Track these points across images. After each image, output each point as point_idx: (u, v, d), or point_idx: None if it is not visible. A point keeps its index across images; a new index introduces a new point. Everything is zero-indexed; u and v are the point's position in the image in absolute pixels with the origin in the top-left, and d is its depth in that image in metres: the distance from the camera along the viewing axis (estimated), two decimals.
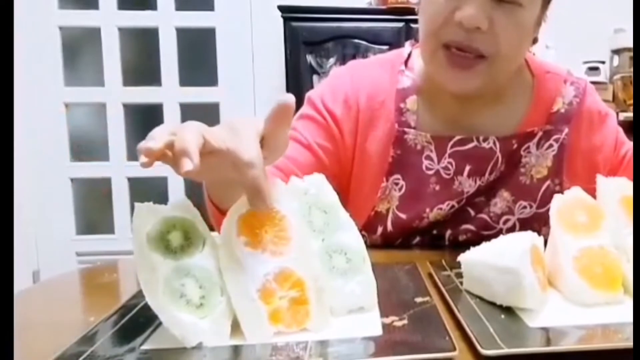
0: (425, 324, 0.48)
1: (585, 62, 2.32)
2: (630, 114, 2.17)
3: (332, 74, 0.93)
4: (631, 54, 2.28)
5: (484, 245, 0.60)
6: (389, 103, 0.85)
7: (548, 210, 0.62)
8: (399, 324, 0.49)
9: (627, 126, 2.20)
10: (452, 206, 0.84)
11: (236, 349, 0.46)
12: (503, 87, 0.85)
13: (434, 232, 0.86)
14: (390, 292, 0.57)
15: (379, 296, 0.54)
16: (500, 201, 0.85)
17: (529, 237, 0.56)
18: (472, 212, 0.85)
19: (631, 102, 2.21)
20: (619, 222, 0.59)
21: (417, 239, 0.86)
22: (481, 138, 0.83)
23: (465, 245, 0.84)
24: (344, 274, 0.53)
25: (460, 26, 0.73)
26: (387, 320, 0.49)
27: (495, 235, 0.83)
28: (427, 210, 0.84)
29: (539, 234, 0.59)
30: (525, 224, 0.85)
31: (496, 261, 0.54)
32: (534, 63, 0.90)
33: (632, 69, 2.24)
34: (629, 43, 2.27)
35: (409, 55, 0.90)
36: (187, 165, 0.45)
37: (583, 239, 0.58)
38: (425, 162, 0.84)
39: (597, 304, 0.54)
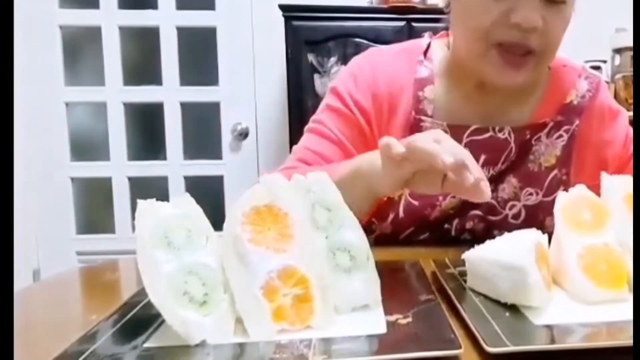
0: (430, 322, 0.48)
1: (587, 61, 2.30)
2: (632, 113, 2.16)
3: (352, 64, 0.93)
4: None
5: (488, 242, 0.59)
6: (407, 91, 0.86)
7: (554, 199, 0.62)
8: (403, 321, 0.48)
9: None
10: None
11: (240, 347, 0.45)
12: None
13: (445, 226, 0.86)
14: (394, 290, 0.57)
15: (382, 294, 0.53)
16: (508, 187, 0.86)
17: (534, 235, 0.56)
18: None
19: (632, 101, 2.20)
20: (624, 220, 0.59)
21: (427, 234, 0.87)
22: (497, 128, 0.85)
23: (471, 233, 0.85)
24: (347, 271, 0.53)
25: (515, 27, 0.75)
26: (392, 318, 0.49)
27: (501, 222, 0.86)
28: (440, 198, 0.84)
29: (543, 224, 0.59)
30: (530, 212, 0.86)
31: (501, 258, 0.54)
32: None
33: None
34: (631, 42, 2.26)
35: (428, 46, 0.91)
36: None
37: (587, 236, 0.57)
38: None
39: (601, 302, 0.53)
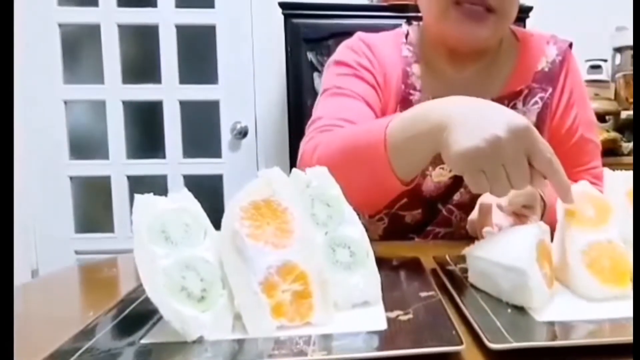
0: (431, 318, 0.47)
1: (587, 60, 2.30)
2: (630, 112, 2.16)
3: (345, 43, 0.98)
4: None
5: (489, 238, 0.58)
6: (397, 67, 0.92)
7: None
8: (404, 318, 0.48)
9: (629, 125, 2.19)
10: None
11: (238, 343, 0.45)
12: (493, 51, 0.92)
13: (438, 205, 0.90)
14: (394, 286, 0.56)
15: (383, 290, 0.53)
16: None
17: (535, 231, 0.55)
18: None
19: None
20: (627, 215, 0.58)
21: (419, 210, 0.90)
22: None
23: (457, 207, 0.90)
24: (347, 267, 0.52)
25: None
26: (392, 314, 0.49)
27: None
28: (430, 168, 0.87)
29: None
30: None
31: (501, 259, 0.53)
32: (519, 30, 0.98)
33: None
34: (631, 41, 2.25)
35: (407, 33, 0.98)
36: None
37: (591, 233, 0.57)
38: None
39: (605, 299, 0.53)
